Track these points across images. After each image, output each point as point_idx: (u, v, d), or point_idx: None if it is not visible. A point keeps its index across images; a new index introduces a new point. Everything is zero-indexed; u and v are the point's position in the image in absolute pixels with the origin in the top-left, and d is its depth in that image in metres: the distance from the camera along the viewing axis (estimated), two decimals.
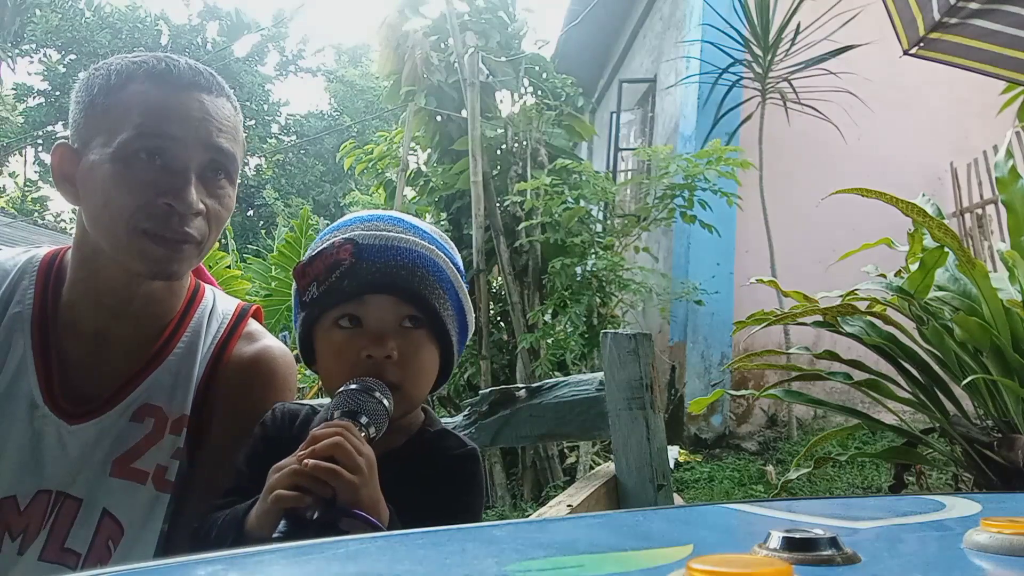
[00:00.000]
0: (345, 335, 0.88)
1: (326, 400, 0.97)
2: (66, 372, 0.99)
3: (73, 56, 17.71)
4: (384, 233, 0.91)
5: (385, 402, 0.83)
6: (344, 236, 0.90)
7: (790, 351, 2.54)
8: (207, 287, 1.11)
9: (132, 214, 0.91)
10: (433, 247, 0.93)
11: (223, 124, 0.96)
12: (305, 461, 0.74)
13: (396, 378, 0.86)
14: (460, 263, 0.98)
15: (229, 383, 1.03)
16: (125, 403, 0.98)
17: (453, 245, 1.00)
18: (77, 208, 0.98)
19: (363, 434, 0.79)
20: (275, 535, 0.71)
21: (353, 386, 0.83)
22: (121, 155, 0.91)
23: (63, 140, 0.98)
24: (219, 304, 1.09)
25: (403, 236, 0.91)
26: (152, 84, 0.93)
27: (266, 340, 1.08)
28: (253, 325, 1.10)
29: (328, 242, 0.91)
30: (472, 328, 1.00)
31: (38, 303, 1.00)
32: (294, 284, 0.94)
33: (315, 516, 0.72)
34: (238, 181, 1.01)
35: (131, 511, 0.95)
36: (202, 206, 0.93)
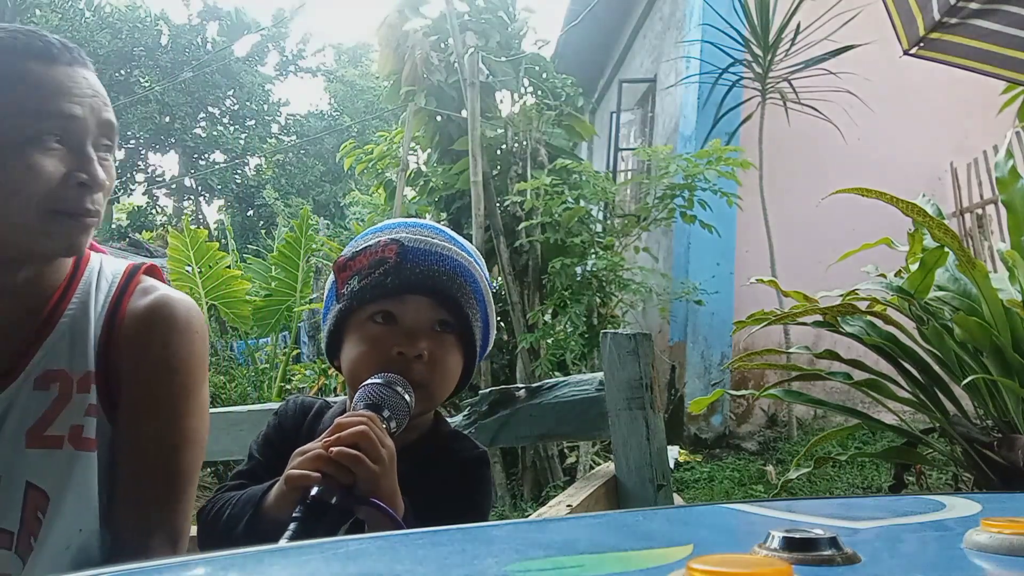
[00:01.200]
0: (379, 330, 0.91)
1: (337, 399, 1.00)
2: None
3: None
4: (428, 239, 0.95)
5: (407, 398, 0.85)
6: (390, 236, 0.95)
7: (790, 351, 2.54)
8: (93, 253, 1.10)
9: (44, 197, 0.91)
10: (470, 259, 0.98)
11: (105, 97, 0.98)
12: (330, 447, 0.76)
13: (423, 377, 0.89)
14: (490, 278, 1.03)
15: (129, 334, 1.02)
16: (24, 374, 0.97)
17: (482, 259, 1.05)
18: None
19: (384, 427, 0.81)
20: (294, 516, 0.72)
21: (377, 380, 0.85)
22: (27, 140, 0.91)
23: None
24: (107, 266, 1.08)
25: (445, 244, 0.96)
26: (38, 63, 0.93)
27: (163, 290, 1.07)
28: (148, 281, 1.09)
29: (374, 240, 0.95)
30: (492, 341, 1.04)
31: None
32: (330, 279, 0.98)
33: (334, 500, 0.74)
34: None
35: (51, 477, 0.95)
36: (106, 181, 0.96)
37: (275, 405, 1.21)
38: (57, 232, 0.93)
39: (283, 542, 0.69)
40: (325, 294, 1.02)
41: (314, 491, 0.74)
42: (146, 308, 1.03)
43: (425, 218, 5.26)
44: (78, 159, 0.93)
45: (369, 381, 0.85)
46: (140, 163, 18.97)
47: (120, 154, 19.30)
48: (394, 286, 0.91)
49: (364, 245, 0.95)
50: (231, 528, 0.83)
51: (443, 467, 0.92)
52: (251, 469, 0.94)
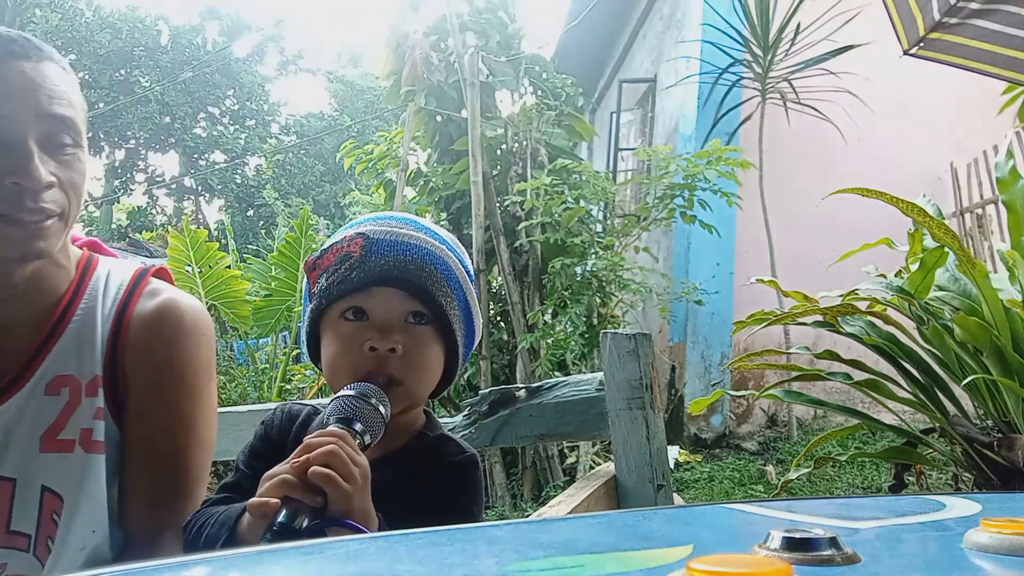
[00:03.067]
0: (350, 327, 0.88)
1: (326, 400, 0.98)
2: None
3: (73, 56, 17.70)
4: (395, 229, 0.92)
5: (381, 409, 0.82)
6: (356, 231, 0.92)
7: (790, 351, 2.54)
8: (101, 258, 1.09)
9: None
10: (443, 247, 0.93)
11: (53, 90, 0.92)
12: (298, 469, 0.73)
13: (398, 373, 0.86)
14: (471, 267, 0.98)
15: (136, 338, 1.01)
16: (35, 378, 0.97)
17: (464, 250, 1.00)
18: None
19: (357, 441, 0.78)
20: (261, 543, 0.71)
21: (349, 392, 0.82)
22: None
23: None
24: (115, 270, 1.07)
25: (413, 233, 0.92)
26: None
27: (170, 292, 1.06)
28: (156, 283, 1.08)
29: (340, 236, 0.92)
30: (480, 332, 0.99)
31: None
32: (304, 279, 0.95)
33: (304, 525, 0.71)
34: (86, 144, 0.98)
35: (66, 480, 0.95)
36: (52, 178, 0.91)
37: (275, 405, 1.20)
38: (6, 237, 0.89)
39: None
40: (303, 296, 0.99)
41: (280, 517, 0.71)
42: (153, 311, 1.03)
43: (425, 218, 5.26)
44: (11, 158, 0.88)
45: (341, 393, 0.83)
46: (140, 163, 18.98)
47: (120, 154, 19.31)
48: (360, 280, 0.87)
49: (331, 242, 0.92)
50: (208, 548, 0.81)
51: (431, 472, 0.89)
52: (237, 482, 0.90)
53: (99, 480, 0.97)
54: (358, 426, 0.79)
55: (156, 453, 0.99)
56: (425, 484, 0.87)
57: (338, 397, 0.82)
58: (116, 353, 1.00)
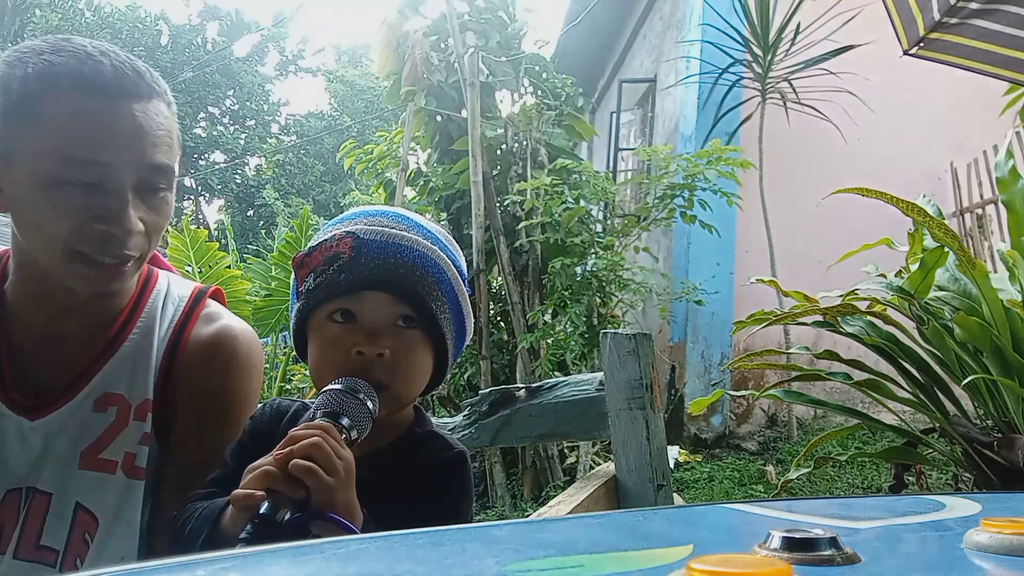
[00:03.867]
0: (338, 329, 0.86)
1: (315, 400, 0.97)
2: (20, 367, 0.97)
3: None
4: (386, 229, 0.88)
5: (369, 404, 0.81)
6: (346, 229, 0.89)
7: (790, 351, 2.54)
8: (161, 272, 1.08)
9: (67, 239, 0.87)
10: (435, 247, 0.91)
11: (158, 135, 0.90)
12: (282, 460, 0.73)
13: (385, 377, 0.85)
14: (463, 265, 0.96)
15: (190, 364, 1.00)
16: (84, 393, 0.96)
17: (457, 246, 0.98)
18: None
19: (344, 436, 0.77)
20: (241, 536, 0.69)
21: (337, 386, 0.81)
22: (50, 182, 0.85)
23: None
24: (174, 288, 1.06)
25: (405, 234, 0.89)
26: (77, 95, 0.85)
27: (226, 319, 1.05)
28: (213, 306, 1.07)
29: (331, 233, 0.89)
30: (471, 332, 0.98)
31: None
32: (292, 275, 0.93)
33: (286, 518, 0.71)
34: (175, 184, 0.97)
35: (103, 502, 0.94)
36: (141, 225, 0.90)
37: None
38: (78, 275, 0.90)
39: None
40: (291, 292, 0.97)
41: (263, 508, 0.70)
42: (209, 338, 1.02)
43: (425, 218, 5.25)
44: (107, 204, 0.87)
45: (329, 387, 0.81)
46: None
47: None
48: (348, 283, 0.85)
49: (320, 239, 0.89)
50: (191, 542, 0.80)
51: (416, 470, 0.87)
52: (224, 476, 0.88)
53: (136, 506, 0.96)
54: (345, 421, 0.78)
55: (195, 479, 0.96)
56: (413, 481, 0.86)
57: (326, 391, 0.81)
58: (169, 378, 1.00)
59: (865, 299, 2.11)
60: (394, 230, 0.89)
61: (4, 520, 0.93)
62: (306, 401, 0.95)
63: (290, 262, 5.92)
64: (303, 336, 0.91)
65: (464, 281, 0.95)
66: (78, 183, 0.86)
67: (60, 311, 0.97)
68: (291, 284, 0.94)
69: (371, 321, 0.86)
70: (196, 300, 1.05)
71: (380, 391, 0.83)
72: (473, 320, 0.99)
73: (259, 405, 0.97)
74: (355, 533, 0.72)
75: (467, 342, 0.98)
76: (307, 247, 0.91)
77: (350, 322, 0.86)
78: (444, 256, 0.91)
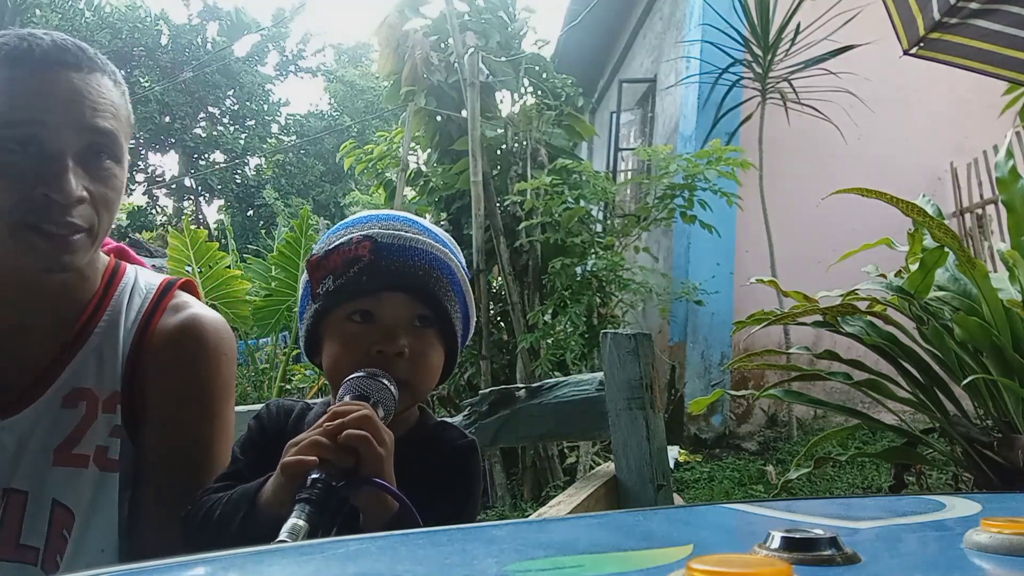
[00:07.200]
0: (357, 329, 0.90)
1: (316, 400, 0.98)
2: None
3: None
4: (402, 233, 0.93)
5: (392, 388, 0.85)
6: (363, 233, 0.92)
7: (790, 351, 2.55)
8: (129, 266, 1.07)
9: (11, 208, 0.87)
10: (446, 250, 0.96)
11: (98, 102, 0.90)
12: (334, 432, 0.76)
13: (405, 374, 0.88)
14: (465, 265, 1.00)
15: (157, 354, 0.99)
16: (53, 390, 0.96)
17: (459, 248, 1.02)
18: None
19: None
20: (297, 498, 0.72)
21: (360, 373, 0.85)
22: None
23: None
24: (142, 280, 1.05)
25: (420, 238, 0.94)
26: (14, 67, 0.87)
27: (194, 308, 1.04)
28: (182, 297, 1.06)
29: (346, 237, 0.93)
30: (473, 329, 1.02)
31: None
32: (304, 277, 0.95)
33: (340, 484, 0.74)
34: (127, 158, 0.96)
35: (79, 497, 0.94)
36: (84, 193, 0.89)
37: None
38: (32, 248, 0.88)
39: (284, 532, 0.67)
40: (300, 292, 0.99)
41: (314, 475, 0.73)
42: (176, 328, 1.01)
43: (425, 218, 5.26)
44: (46, 169, 0.86)
45: (353, 375, 0.85)
46: (140, 163, 18.96)
47: None
48: (370, 285, 0.89)
49: (337, 242, 0.93)
50: (224, 527, 0.81)
51: (433, 456, 0.91)
52: (236, 471, 0.91)
53: (112, 499, 0.96)
54: (373, 401, 0.82)
55: (170, 473, 0.97)
56: (429, 467, 0.89)
57: (350, 379, 0.85)
58: (137, 369, 0.99)
59: (865, 299, 2.11)
60: (409, 234, 0.93)
61: None
62: (307, 401, 0.98)
63: (296, 264, 5.90)
64: (316, 335, 0.94)
65: (467, 279, 0.99)
66: (19, 144, 0.86)
67: (23, 307, 0.96)
68: (302, 286, 0.97)
69: (390, 321, 0.90)
70: (164, 291, 1.05)
71: (399, 387, 0.87)
72: (477, 319, 1.02)
73: (263, 405, 0.98)
74: (403, 498, 0.76)
75: (468, 339, 1.02)
76: (322, 250, 0.94)
77: (369, 322, 0.90)
78: (453, 258, 0.96)
